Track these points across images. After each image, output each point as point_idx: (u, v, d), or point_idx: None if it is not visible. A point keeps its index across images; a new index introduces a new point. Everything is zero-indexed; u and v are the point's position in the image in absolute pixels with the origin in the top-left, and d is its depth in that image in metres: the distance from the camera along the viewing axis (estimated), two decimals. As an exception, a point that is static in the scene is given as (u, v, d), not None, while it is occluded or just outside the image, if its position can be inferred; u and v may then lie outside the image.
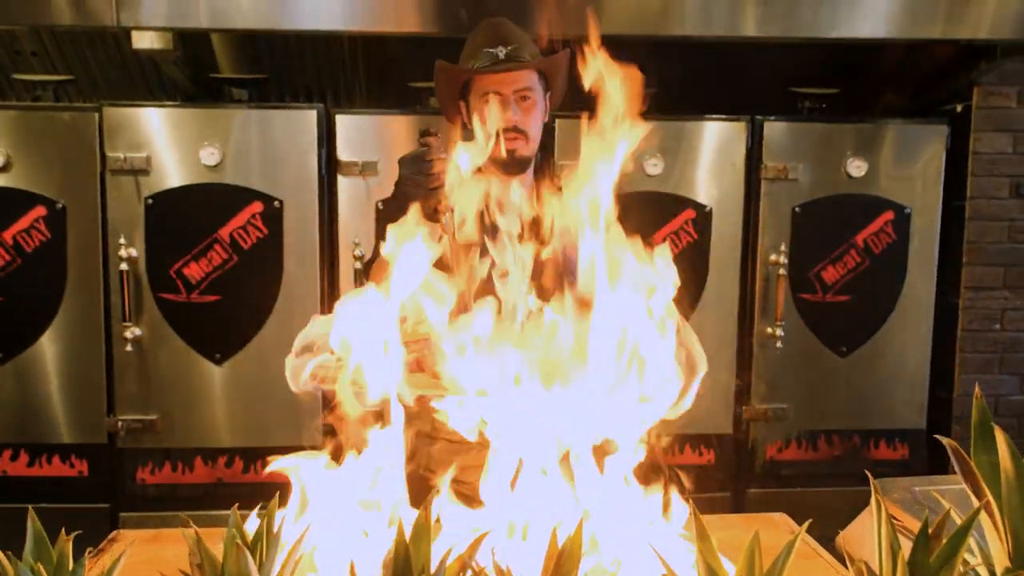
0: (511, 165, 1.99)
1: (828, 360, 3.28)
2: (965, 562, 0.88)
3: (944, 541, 0.85)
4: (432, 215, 1.71)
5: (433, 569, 0.88)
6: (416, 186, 1.73)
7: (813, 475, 3.29)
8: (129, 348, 3.01)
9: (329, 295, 3.09)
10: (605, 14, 3.01)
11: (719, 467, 3.24)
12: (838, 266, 3.25)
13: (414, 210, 1.79)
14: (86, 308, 3.05)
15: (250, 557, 0.88)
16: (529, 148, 2.02)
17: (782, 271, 3.20)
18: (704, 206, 3.21)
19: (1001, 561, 0.87)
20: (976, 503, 0.87)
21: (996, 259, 3.28)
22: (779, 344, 3.22)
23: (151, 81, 3.46)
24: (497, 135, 1.94)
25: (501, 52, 1.97)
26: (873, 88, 3.56)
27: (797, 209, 3.23)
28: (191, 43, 3.18)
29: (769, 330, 3.23)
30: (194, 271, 3.03)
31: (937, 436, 1.05)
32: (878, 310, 3.28)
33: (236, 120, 3.02)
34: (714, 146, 3.21)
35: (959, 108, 3.28)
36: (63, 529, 0.97)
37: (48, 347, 3.06)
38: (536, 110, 2.02)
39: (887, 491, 1.59)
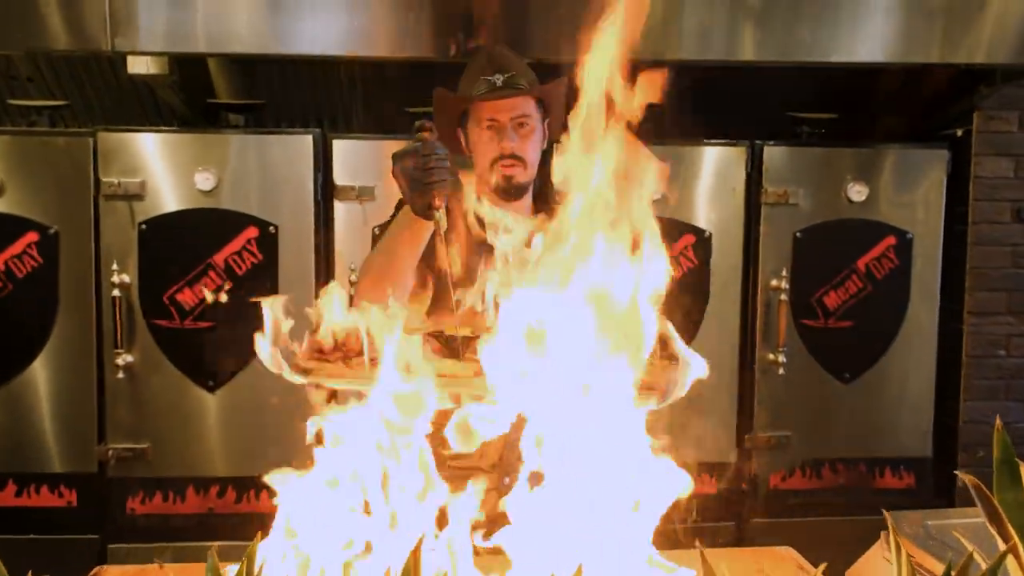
0: (509, 192, 2.02)
1: (831, 387, 3.24)
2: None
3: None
4: (426, 212, 1.68)
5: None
6: (411, 181, 1.68)
7: (818, 504, 3.23)
8: (121, 375, 2.97)
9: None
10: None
11: (721, 496, 3.18)
12: (840, 291, 3.22)
13: (406, 209, 1.77)
14: (78, 334, 3.00)
15: None
16: (527, 175, 2.03)
17: (783, 297, 3.16)
18: (704, 231, 3.18)
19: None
20: (1001, 544, 0.83)
21: (1000, 284, 3.25)
22: (781, 371, 3.17)
23: (147, 106, 3.45)
24: (495, 162, 1.99)
25: (498, 80, 1.99)
26: (872, 113, 3.54)
27: (798, 234, 3.20)
28: (187, 68, 3.17)
29: (771, 356, 3.19)
30: (188, 297, 2.99)
31: (957, 472, 1.01)
32: (881, 336, 3.24)
33: (231, 145, 3.00)
34: (713, 171, 3.18)
35: (959, 133, 3.27)
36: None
37: (39, 374, 3.01)
38: (534, 137, 2.03)
39: (898, 525, 1.54)
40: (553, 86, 2.07)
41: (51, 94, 3.45)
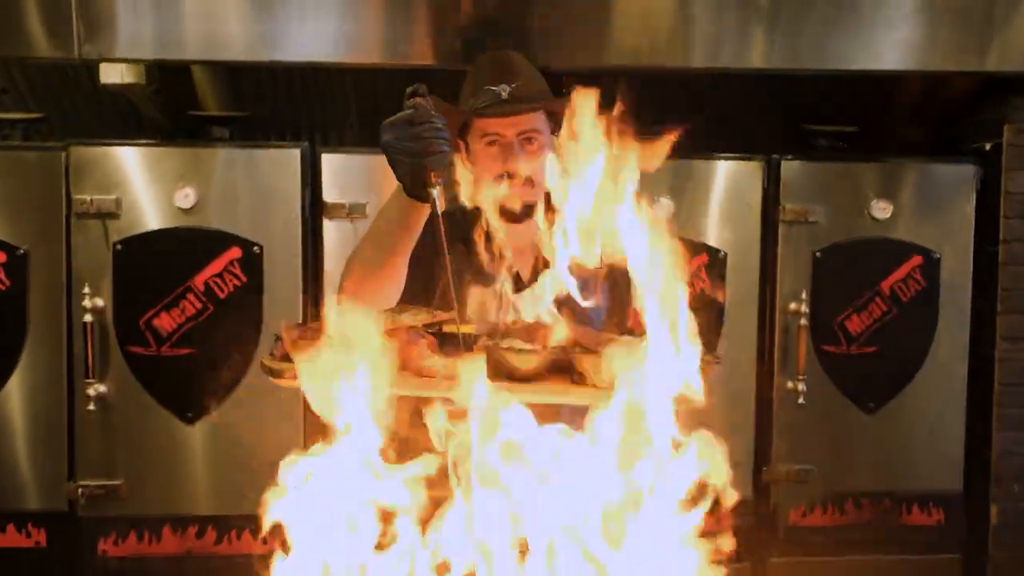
0: (515, 213, 1.82)
1: (854, 417, 3.05)
2: None
3: None
4: (421, 192, 1.46)
5: None
6: (405, 154, 1.46)
7: (841, 542, 3.04)
8: (93, 406, 2.79)
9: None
10: (611, 46, 2.87)
11: (738, 534, 2.97)
12: (863, 315, 3.04)
13: (397, 191, 1.56)
14: (47, 362, 2.83)
15: None
16: (535, 194, 1.83)
17: (803, 321, 2.98)
18: (718, 251, 3.00)
19: None
20: None
21: (1034, 308, 3.06)
22: (801, 400, 2.98)
23: (127, 119, 3.28)
24: (499, 182, 1.80)
25: (504, 91, 1.82)
26: (895, 125, 3.38)
27: (818, 254, 3.02)
28: (168, 78, 3.03)
29: (790, 384, 2.99)
30: (165, 322, 2.82)
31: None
32: (907, 362, 3.07)
33: (213, 160, 2.84)
34: (727, 187, 3.01)
35: (988, 146, 3.08)
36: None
37: (5, 404, 2.83)
38: (542, 153, 1.84)
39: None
40: (565, 100, 1.90)
41: (26, 107, 3.28)
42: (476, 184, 1.85)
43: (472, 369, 1.16)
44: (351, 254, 1.71)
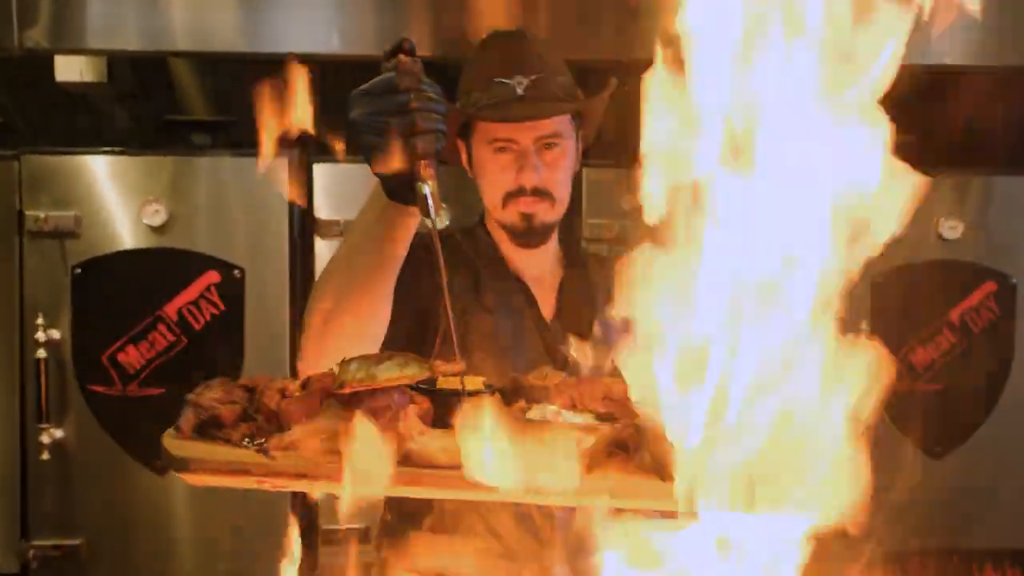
0: (530, 235, 1.54)
1: (920, 462, 2.79)
2: None
3: None
4: (404, 189, 1.09)
5: None
6: (383, 136, 1.07)
7: (904, 608, 2.74)
8: (48, 455, 2.52)
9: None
10: (642, 38, 2.52)
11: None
12: (929, 348, 2.80)
13: (376, 193, 1.19)
14: None
15: None
16: (555, 212, 1.55)
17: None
18: (763, 276, 2.68)
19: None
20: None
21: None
22: (861, 443, 2.66)
23: (93, 126, 2.98)
24: (511, 196, 1.51)
25: (520, 85, 1.50)
26: (968, 131, 3.10)
27: (879, 279, 2.76)
28: (139, 76, 2.75)
29: (846, 427, 2.68)
30: (132, 357, 2.56)
31: None
32: (980, 401, 2.83)
33: (189, 171, 2.59)
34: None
35: (1071, 156, 2.80)
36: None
37: None
38: (565, 161, 1.55)
39: None
40: (599, 99, 1.57)
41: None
42: (482, 200, 1.57)
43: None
44: (317, 281, 1.34)
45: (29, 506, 2.53)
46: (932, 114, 3.04)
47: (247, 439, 0.88)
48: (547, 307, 1.59)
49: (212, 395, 0.90)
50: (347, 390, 0.89)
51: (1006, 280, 2.79)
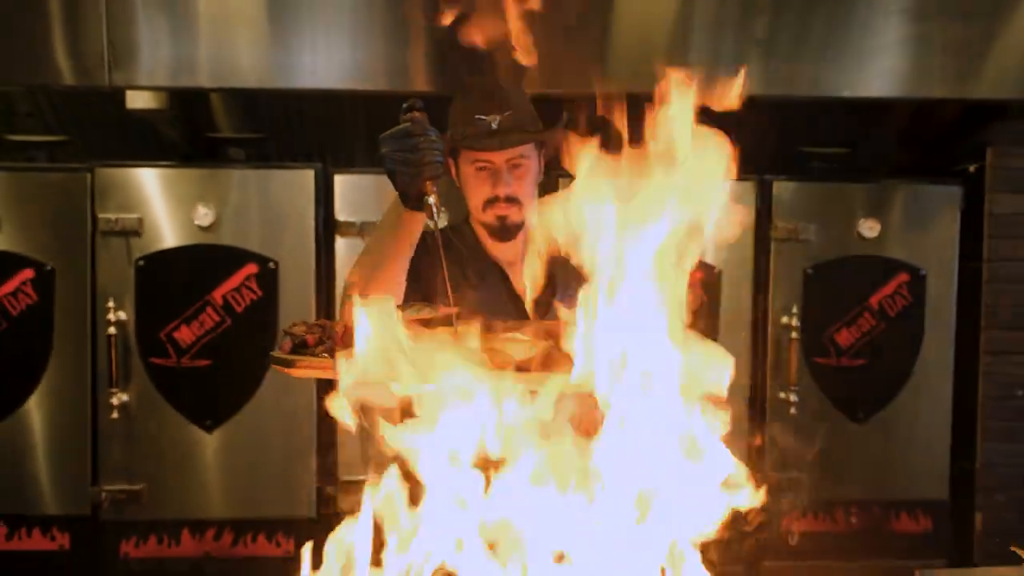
0: (503, 232, 1.94)
1: (845, 427, 3.17)
2: None
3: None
4: (417, 200, 1.57)
5: None
6: (402, 165, 1.55)
7: (831, 548, 3.14)
8: (116, 415, 2.92)
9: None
10: (609, 70, 2.96)
11: (731, 540, 3.09)
12: (852, 329, 3.16)
13: (395, 199, 1.66)
14: (72, 373, 2.95)
15: None
16: (522, 214, 1.94)
17: (794, 334, 3.10)
18: (712, 267, 3.12)
19: None
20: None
21: (1016, 323, 3.18)
22: (793, 410, 3.10)
23: (148, 141, 3.40)
24: (488, 203, 1.90)
25: (494, 121, 1.88)
26: (884, 147, 3.50)
27: (809, 271, 3.14)
28: (187, 102, 3.15)
29: (782, 395, 3.12)
30: (185, 335, 2.94)
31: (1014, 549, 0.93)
32: (895, 375, 3.18)
33: (231, 180, 2.97)
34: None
35: (972, 168, 3.22)
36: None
37: (32, 414, 2.95)
38: (529, 176, 1.94)
39: (924, 581, 1.45)
40: (553, 132, 1.96)
41: (49, 130, 3.41)
42: (468, 204, 1.97)
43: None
44: (355, 261, 1.81)
45: (99, 457, 2.93)
46: (857, 135, 3.47)
47: (324, 352, 1.35)
48: (517, 283, 2.04)
49: (299, 329, 1.38)
50: None
51: (917, 272, 3.14)
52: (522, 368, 1.36)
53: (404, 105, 1.58)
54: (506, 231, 1.94)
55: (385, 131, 1.59)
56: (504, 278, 2.02)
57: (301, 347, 1.38)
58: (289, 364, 1.32)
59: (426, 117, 1.55)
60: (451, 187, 2.02)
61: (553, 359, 1.40)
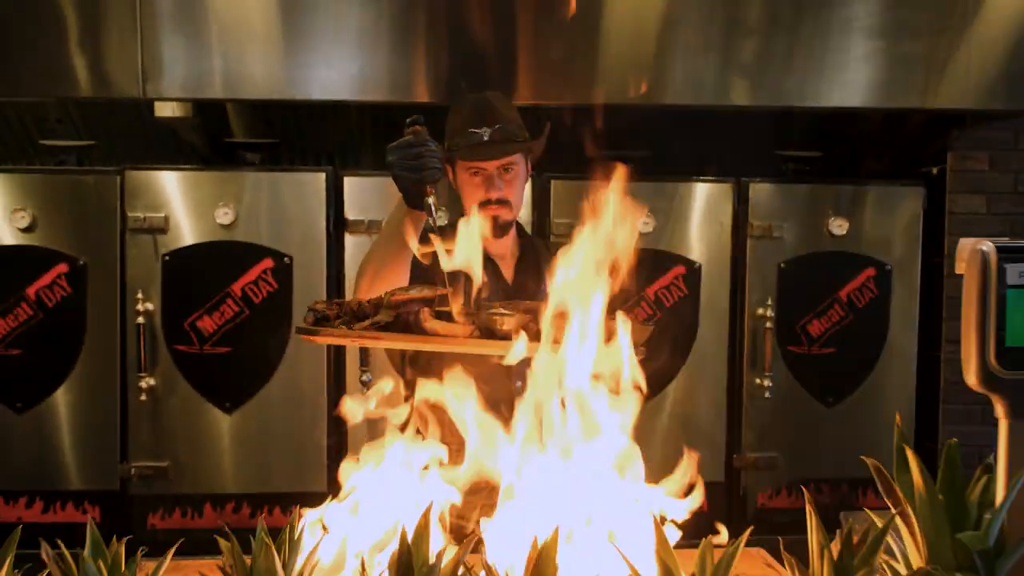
0: (495, 230, 2.15)
1: (815, 410, 3.40)
2: (886, 562, 1.00)
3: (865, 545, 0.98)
4: (418, 201, 1.84)
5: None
6: (406, 171, 1.82)
7: (803, 522, 3.35)
8: (144, 397, 3.15)
9: (335, 347, 3.23)
10: (601, 84, 3.16)
11: (711, 514, 3.31)
12: (823, 320, 3.39)
13: (400, 201, 1.92)
14: (103, 359, 3.18)
15: (276, 554, 1.01)
16: (512, 213, 2.18)
17: (769, 324, 3.34)
18: (694, 262, 3.36)
19: (916, 561, 1.00)
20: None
21: (975, 313, 3.40)
22: (767, 394, 3.34)
23: (168, 145, 3.65)
24: (482, 205, 2.11)
25: (485, 134, 2.09)
26: (854, 152, 3.74)
27: (782, 265, 3.38)
28: (207, 111, 3.37)
29: (758, 381, 3.35)
30: (207, 324, 3.17)
31: (863, 457, 1.18)
32: (863, 362, 3.40)
33: (249, 182, 3.20)
34: (703, 206, 3.37)
35: (935, 171, 3.46)
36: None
37: (66, 397, 3.19)
38: (518, 180, 2.16)
39: (855, 520, 1.70)
40: (538, 142, 2.19)
41: (78, 134, 3.66)
42: (463, 205, 2.20)
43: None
44: (366, 255, 2.08)
45: (128, 437, 3.16)
46: (829, 141, 3.71)
47: (341, 324, 1.61)
48: (508, 274, 2.29)
49: (321, 305, 1.64)
50: (397, 299, 1.63)
51: (882, 267, 3.37)
52: (504, 335, 1.63)
53: (407, 120, 1.84)
54: (498, 229, 2.16)
55: (390, 140, 1.85)
56: (495, 270, 2.27)
57: (323, 320, 1.64)
58: (314, 333, 1.59)
59: (426, 130, 1.82)
60: (449, 190, 2.27)
61: (529, 329, 1.66)
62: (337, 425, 3.17)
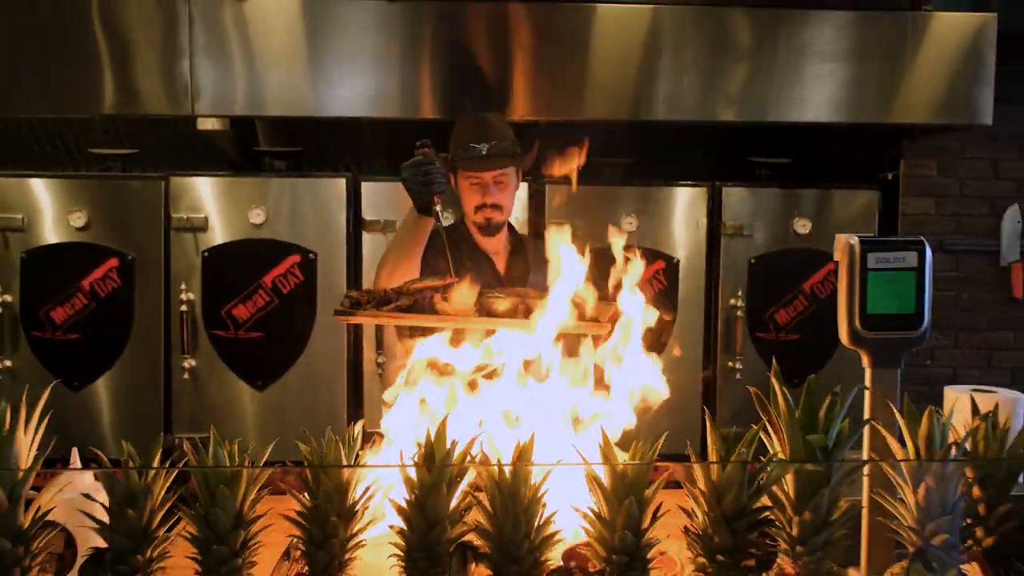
0: (490, 230, 2.56)
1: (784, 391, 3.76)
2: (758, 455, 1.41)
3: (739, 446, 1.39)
4: (428, 209, 2.23)
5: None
6: (418, 184, 2.21)
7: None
8: (186, 376, 3.52)
9: (354, 332, 3.63)
10: (588, 101, 3.49)
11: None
12: (788, 309, 3.75)
13: (412, 208, 2.34)
14: (149, 343, 3.56)
15: (341, 446, 1.42)
16: (503, 216, 2.57)
17: (740, 313, 3.72)
18: (673, 258, 3.74)
19: (778, 453, 1.41)
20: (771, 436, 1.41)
21: (924, 304, 3.79)
22: (738, 375, 3.72)
23: (203, 154, 4.03)
24: (479, 208, 2.53)
25: (484, 148, 2.48)
26: (819, 158, 4.11)
27: (752, 261, 3.74)
28: (239, 123, 3.72)
29: (730, 364, 3.74)
30: (241, 312, 3.54)
31: (749, 388, 1.58)
32: (824, 347, 3.74)
33: (278, 187, 3.57)
34: (681, 208, 3.75)
35: (889, 176, 3.84)
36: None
37: (115, 376, 3.56)
38: (510, 188, 2.55)
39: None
40: (528, 155, 2.58)
41: (121, 144, 4.06)
42: (463, 209, 2.61)
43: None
44: (384, 253, 2.49)
45: (172, 411, 3.54)
46: (795, 149, 4.08)
47: (371, 307, 2.02)
48: (500, 266, 2.66)
49: (354, 293, 2.05)
50: (415, 287, 2.04)
51: None
52: (502, 314, 2.04)
53: (417, 143, 2.25)
54: (492, 229, 2.57)
55: (401, 150, 2.28)
56: (490, 263, 2.66)
57: (356, 305, 2.06)
58: (351, 314, 2.00)
59: (434, 151, 2.22)
60: (452, 194, 2.67)
61: (519, 309, 2.07)
62: (355, 400, 3.58)
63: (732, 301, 3.74)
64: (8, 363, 3.51)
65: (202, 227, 3.54)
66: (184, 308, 3.51)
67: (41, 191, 3.54)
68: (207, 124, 3.38)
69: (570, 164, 2.26)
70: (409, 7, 3.28)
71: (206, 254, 3.55)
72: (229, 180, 3.60)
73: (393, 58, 3.34)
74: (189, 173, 3.58)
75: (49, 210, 3.53)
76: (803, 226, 3.74)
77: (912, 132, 3.73)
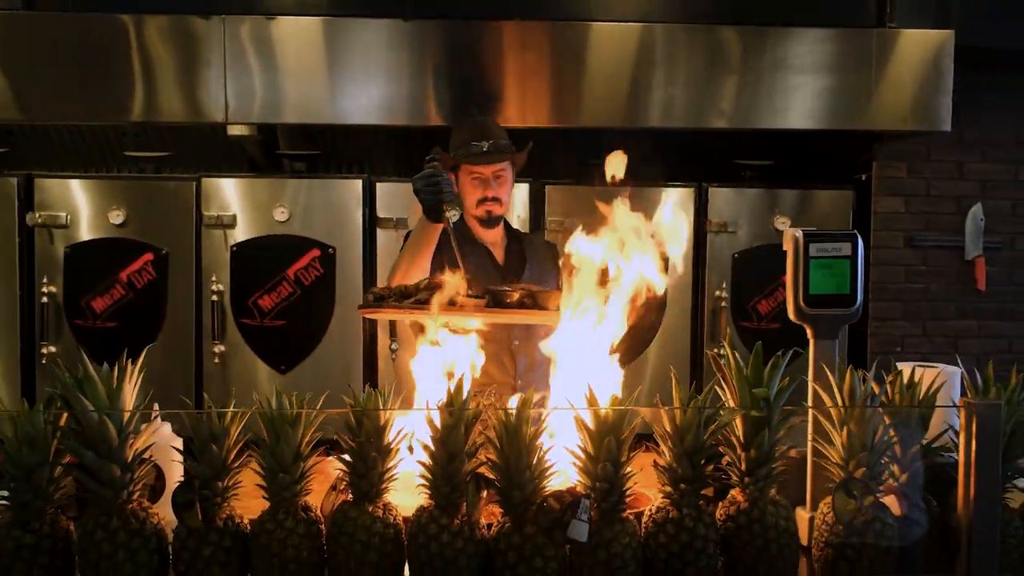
0: (489, 222, 2.84)
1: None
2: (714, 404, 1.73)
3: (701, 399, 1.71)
4: (437, 216, 2.50)
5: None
6: (428, 195, 2.46)
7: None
8: (216, 361, 3.82)
9: (369, 321, 3.94)
10: (584, 109, 3.77)
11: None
12: (770, 300, 4.06)
13: (421, 216, 2.62)
14: (182, 330, 3.85)
15: (379, 396, 1.73)
16: (502, 209, 2.84)
17: (724, 304, 4.02)
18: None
19: (730, 403, 1.73)
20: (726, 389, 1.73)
21: (895, 296, 4.11)
22: (723, 361, 4.01)
23: (227, 155, 4.33)
24: (479, 202, 2.80)
25: (484, 146, 2.75)
26: (799, 161, 4.41)
27: (736, 256, 4.04)
28: (263, 128, 4.03)
29: (716, 350, 4.04)
30: (266, 302, 3.84)
31: (707, 351, 1.90)
32: (803, 335, 4.04)
33: (300, 187, 3.87)
34: (670, 207, 4.05)
35: (863, 177, 4.14)
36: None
37: (151, 359, 3.78)
38: (507, 182, 2.83)
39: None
40: (522, 155, 2.87)
41: (151, 147, 4.36)
42: (464, 203, 2.85)
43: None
44: (399, 256, 2.73)
45: (202, 392, 3.82)
46: (777, 151, 4.39)
47: (394, 302, 2.33)
48: (499, 256, 2.91)
49: (378, 290, 2.36)
50: (432, 283, 2.35)
51: None
52: (508, 306, 2.34)
53: (427, 157, 2.52)
54: (491, 221, 2.83)
55: (411, 153, 2.60)
56: (490, 254, 2.94)
57: (379, 300, 2.36)
58: (375, 309, 2.30)
59: (442, 160, 2.49)
60: (456, 195, 2.94)
61: (525, 301, 2.38)
62: (370, 383, 3.88)
63: (717, 293, 4.04)
64: (52, 348, 3.81)
65: (231, 224, 3.84)
66: (214, 298, 3.81)
67: (83, 191, 3.85)
68: (236, 130, 3.69)
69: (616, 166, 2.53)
70: (417, 26, 3.58)
71: (234, 249, 3.84)
72: (255, 181, 3.90)
73: (403, 71, 3.62)
74: (219, 175, 3.88)
75: (90, 208, 3.84)
76: (783, 223, 4.04)
77: (882, 137, 4.03)
